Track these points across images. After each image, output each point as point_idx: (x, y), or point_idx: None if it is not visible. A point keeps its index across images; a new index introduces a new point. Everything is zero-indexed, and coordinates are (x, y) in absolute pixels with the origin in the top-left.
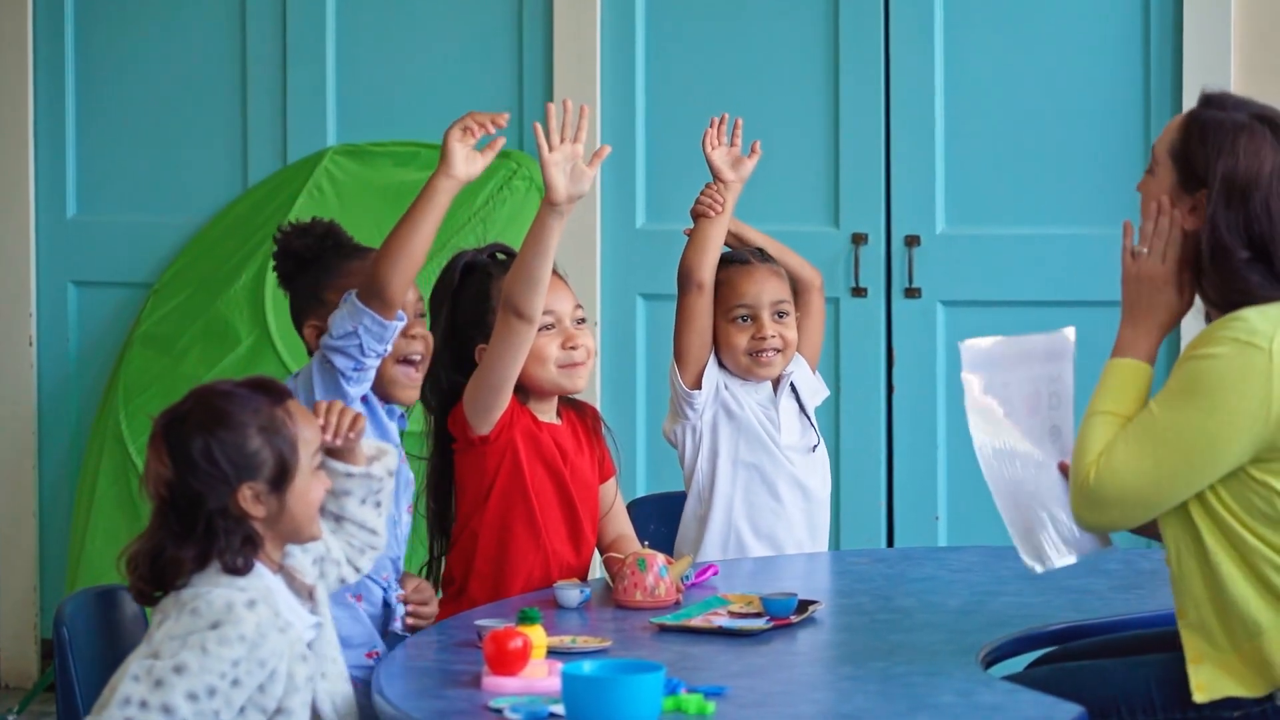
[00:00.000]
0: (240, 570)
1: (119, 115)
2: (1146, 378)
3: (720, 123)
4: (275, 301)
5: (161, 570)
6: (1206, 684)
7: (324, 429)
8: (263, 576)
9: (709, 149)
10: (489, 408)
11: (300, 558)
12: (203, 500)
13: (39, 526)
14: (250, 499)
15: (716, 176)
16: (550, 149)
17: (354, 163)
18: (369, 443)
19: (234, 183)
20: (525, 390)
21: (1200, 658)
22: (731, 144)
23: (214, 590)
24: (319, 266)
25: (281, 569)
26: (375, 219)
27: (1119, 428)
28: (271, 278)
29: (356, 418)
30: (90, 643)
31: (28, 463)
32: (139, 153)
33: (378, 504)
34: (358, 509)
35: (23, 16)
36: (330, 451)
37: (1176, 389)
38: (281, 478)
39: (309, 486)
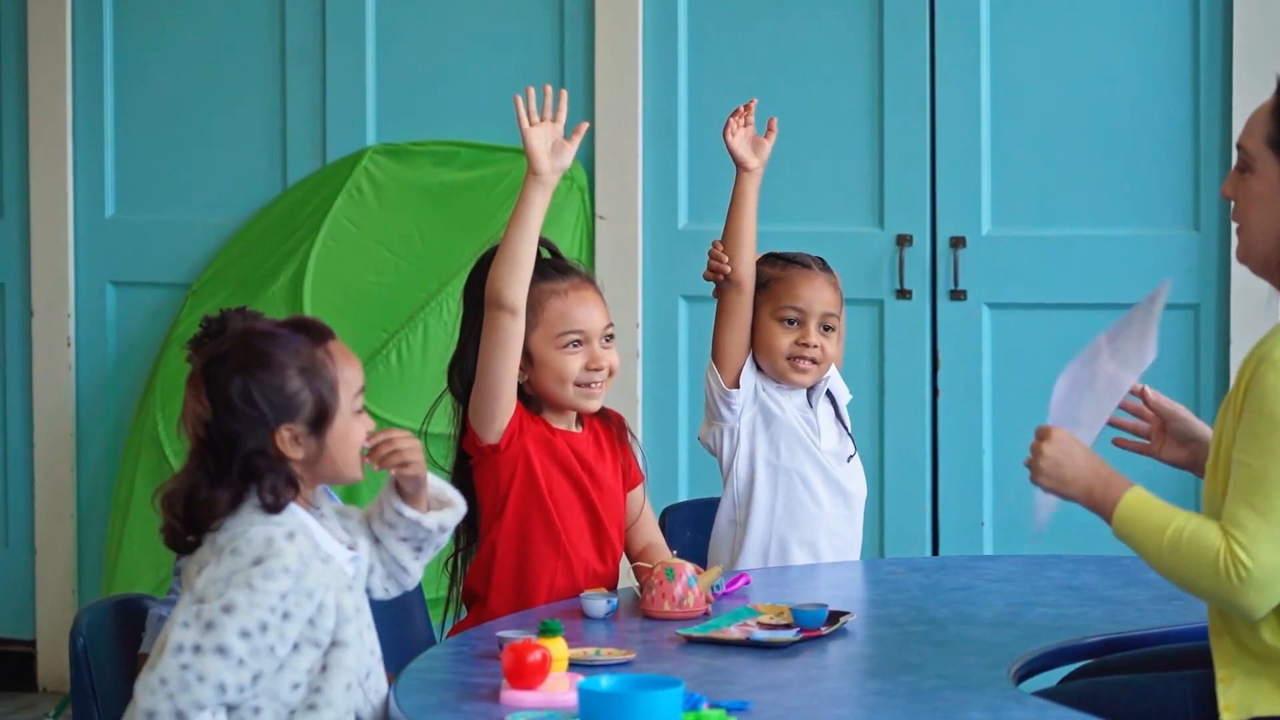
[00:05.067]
0: (276, 507)
1: (157, 114)
2: (1145, 498)
3: (742, 110)
4: (314, 301)
5: (196, 511)
6: (1236, 704)
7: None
8: (296, 514)
9: (729, 137)
10: (491, 416)
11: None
12: (240, 441)
13: (77, 528)
14: (289, 440)
15: (740, 166)
16: (530, 124)
17: (393, 162)
18: (439, 488)
19: (273, 182)
20: (539, 401)
21: (1231, 678)
22: (745, 124)
23: (251, 528)
24: None
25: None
26: (415, 219)
27: (1203, 519)
28: (310, 278)
29: (407, 463)
30: (109, 653)
31: (66, 465)
32: (177, 152)
33: (418, 549)
34: (396, 544)
35: (61, 16)
36: (397, 487)
37: (1264, 431)
38: (321, 420)
39: (350, 428)
